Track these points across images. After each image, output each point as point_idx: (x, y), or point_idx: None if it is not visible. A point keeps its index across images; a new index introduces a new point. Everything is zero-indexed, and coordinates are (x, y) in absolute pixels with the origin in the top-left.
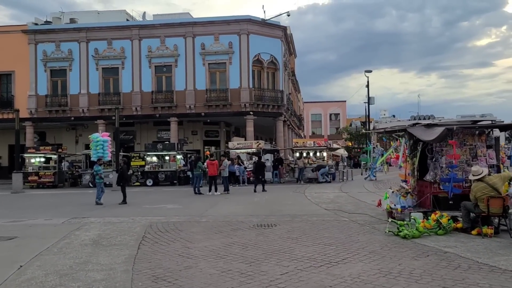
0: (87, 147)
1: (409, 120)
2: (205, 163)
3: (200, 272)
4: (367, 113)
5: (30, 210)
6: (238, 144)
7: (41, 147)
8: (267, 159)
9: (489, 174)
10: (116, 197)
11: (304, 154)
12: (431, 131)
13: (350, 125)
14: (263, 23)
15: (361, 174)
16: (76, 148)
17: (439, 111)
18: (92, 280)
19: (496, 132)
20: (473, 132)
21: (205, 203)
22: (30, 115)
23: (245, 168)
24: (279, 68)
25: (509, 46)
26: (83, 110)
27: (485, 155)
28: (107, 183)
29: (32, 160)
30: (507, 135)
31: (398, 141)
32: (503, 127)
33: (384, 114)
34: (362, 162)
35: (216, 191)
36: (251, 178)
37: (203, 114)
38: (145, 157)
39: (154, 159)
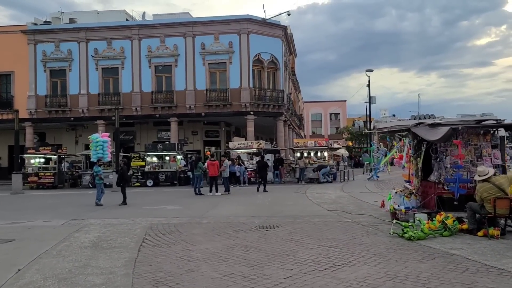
0: (87, 147)
1: (409, 119)
2: (206, 164)
3: (202, 276)
4: (368, 113)
5: (29, 211)
6: (238, 144)
7: (40, 148)
8: (268, 159)
9: (494, 175)
10: (116, 198)
11: (305, 154)
12: (436, 130)
13: (353, 124)
14: (263, 22)
15: (363, 174)
16: (76, 148)
17: (439, 110)
18: (92, 284)
19: (502, 132)
20: (478, 131)
21: (206, 204)
22: (30, 116)
23: (246, 168)
24: (280, 68)
25: (509, 45)
26: (82, 110)
27: (490, 155)
28: (107, 183)
29: (32, 161)
30: (507, 135)
31: (402, 141)
32: (509, 127)
33: (384, 114)
34: (365, 162)
35: (217, 191)
36: (252, 179)
37: (203, 114)
38: (145, 157)
39: (154, 159)
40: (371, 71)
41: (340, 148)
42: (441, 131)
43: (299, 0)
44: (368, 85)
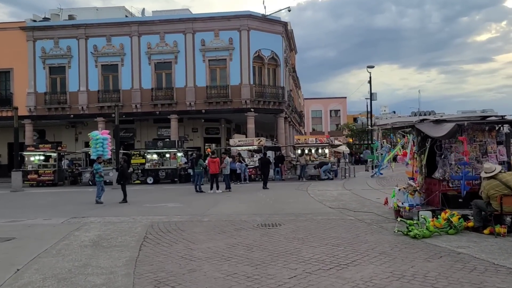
0: (87, 145)
1: (409, 116)
2: (206, 161)
3: (204, 275)
4: (370, 109)
5: (29, 209)
6: (239, 141)
7: (40, 145)
8: (269, 156)
9: (500, 172)
10: (117, 196)
11: (306, 151)
12: (440, 127)
13: (356, 121)
14: (264, 18)
15: (366, 171)
16: (75, 146)
17: (439, 106)
18: (92, 285)
19: (507, 128)
20: (483, 128)
21: (206, 201)
22: (29, 113)
23: (247, 165)
24: (280, 64)
25: (509, 41)
26: (82, 107)
27: (495, 151)
28: (107, 181)
29: (32, 158)
30: (508, 131)
31: (406, 137)
32: None
33: (385, 110)
34: (368, 159)
35: (217, 189)
36: (253, 176)
37: (203, 111)
38: (146, 154)
39: (155, 156)
40: (372, 67)
41: (341, 145)
42: (446, 127)
43: None
44: (370, 82)
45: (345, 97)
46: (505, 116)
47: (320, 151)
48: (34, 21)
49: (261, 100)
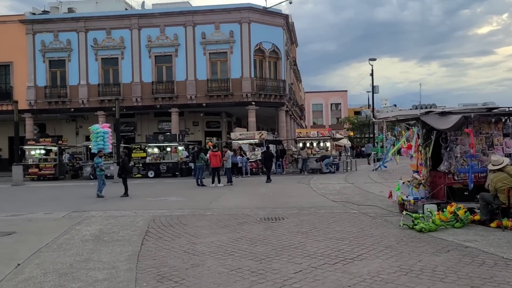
0: (88, 138)
1: (410, 109)
2: (208, 154)
3: (208, 270)
4: (372, 102)
5: (30, 203)
6: (240, 134)
7: (41, 139)
8: (271, 150)
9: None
10: (118, 190)
11: (308, 145)
12: (446, 119)
13: (360, 114)
14: (265, 11)
15: (369, 164)
16: (76, 139)
17: (440, 100)
18: (94, 280)
19: None
20: (489, 120)
21: (208, 195)
22: (30, 107)
23: (248, 159)
24: (281, 57)
25: (510, 34)
26: (82, 101)
27: (501, 144)
28: (108, 175)
29: (32, 152)
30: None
31: (411, 130)
32: None
33: (385, 104)
34: (373, 152)
35: (219, 182)
36: (254, 169)
37: (204, 104)
38: (146, 148)
39: (156, 150)
40: (374, 59)
41: (342, 138)
42: (452, 119)
43: None
44: (372, 74)
45: (346, 91)
46: None
47: (321, 144)
48: (34, 14)
49: (262, 93)
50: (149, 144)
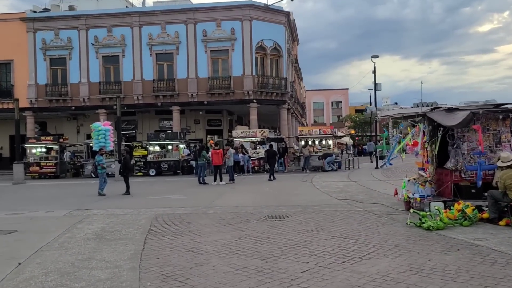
0: (89, 137)
1: (411, 107)
2: (210, 152)
3: (213, 269)
4: (374, 100)
5: (31, 202)
6: (242, 132)
7: (42, 137)
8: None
9: None
10: (119, 188)
11: (310, 142)
12: (453, 115)
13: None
14: (266, 8)
15: (371, 162)
16: (77, 138)
17: (440, 98)
18: (96, 279)
19: None
20: (497, 116)
21: (211, 193)
22: (30, 105)
23: (250, 157)
24: (283, 55)
25: (511, 31)
26: (83, 99)
27: (509, 140)
28: (109, 173)
29: (33, 151)
30: None
31: (417, 127)
32: None
33: (386, 102)
34: (378, 150)
35: (221, 180)
36: (256, 167)
37: (205, 102)
38: (148, 146)
39: (157, 148)
40: (377, 57)
41: (344, 136)
42: (460, 115)
43: None
44: (374, 72)
45: (347, 89)
46: None
47: (323, 142)
48: (34, 12)
49: (264, 91)
50: (151, 142)
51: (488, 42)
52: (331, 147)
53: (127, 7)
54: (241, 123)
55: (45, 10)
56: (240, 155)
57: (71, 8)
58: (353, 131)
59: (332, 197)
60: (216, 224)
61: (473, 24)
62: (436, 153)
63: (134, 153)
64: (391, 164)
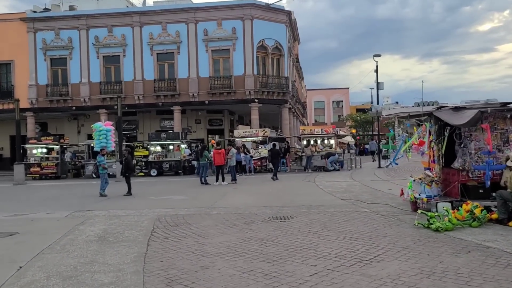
0: (90, 137)
1: (412, 106)
2: (211, 152)
3: (219, 273)
4: (377, 99)
5: (32, 203)
6: (243, 132)
7: (42, 138)
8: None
9: None
10: (121, 188)
11: (312, 142)
12: (461, 114)
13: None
14: (267, 7)
15: (373, 161)
16: (78, 138)
17: (441, 97)
18: (100, 284)
19: None
20: (505, 115)
21: (213, 193)
22: (31, 105)
23: (252, 157)
24: (284, 54)
25: (511, 30)
26: (84, 99)
27: None
28: (110, 173)
29: (34, 151)
30: None
31: (424, 126)
32: None
33: (387, 101)
34: (383, 149)
35: (223, 181)
36: (258, 167)
37: (206, 102)
38: (149, 146)
39: (158, 148)
40: (379, 56)
41: (346, 135)
42: (467, 114)
43: None
44: (376, 71)
45: (348, 88)
46: None
47: (326, 141)
48: (35, 12)
49: (265, 90)
50: (152, 142)
51: (489, 41)
52: (333, 146)
53: (127, 6)
54: (242, 123)
55: (46, 10)
56: (242, 155)
57: (71, 8)
58: (354, 131)
59: (336, 197)
60: (220, 225)
61: (473, 23)
62: (443, 152)
63: (135, 153)
64: (397, 164)
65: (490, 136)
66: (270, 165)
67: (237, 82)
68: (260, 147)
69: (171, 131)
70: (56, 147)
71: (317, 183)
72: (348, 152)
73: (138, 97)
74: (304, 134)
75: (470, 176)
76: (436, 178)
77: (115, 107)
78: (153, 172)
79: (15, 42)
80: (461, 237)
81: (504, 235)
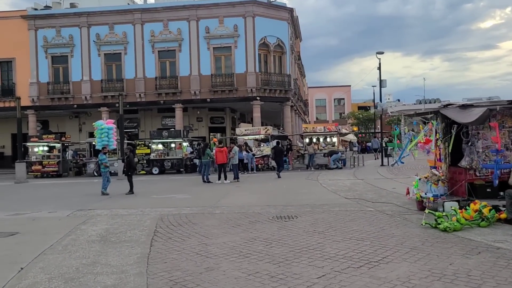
0: (91, 135)
1: (414, 104)
2: (214, 151)
3: (224, 275)
4: (380, 96)
5: (33, 201)
6: (245, 130)
7: (44, 136)
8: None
9: None
10: (122, 187)
11: (314, 140)
12: (468, 112)
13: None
14: (269, 4)
15: (375, 159)
16: (79, 136)
17: (442, 94)
18: (102, 286)
19: None
20: None
21: (216, 192)
22: (32, 103)
23: (254, 155)
24: (286, 52)
25: None
26: (85, 97)
27: None
28: (112, 172)
29: (36, 149)
30: None
31: (430, 124)
32: None
33: (389, 98)
34: (389, 148)
35: (225, 179)
36: (260, 165)
37: (208, 100)
38: (151, 145)
39: (160, 146)
40: (382, 53)
41: (348, 133)
42: (475, 112)
43: None
44: (379, 68)
45: (349, 85)
46: None
47: (328, 139)
48: (36, 9)
49: (267, 88)
50: (153, 141)
51: (490, 38)
52: (336, 144)
53: (128, 4)
54: (243, 121)
55: (46, 7)
56: (244, 153)
57: (72, 5)
58: (355, 128)
59: (340, 196)
60: (223, 225)
61: (475, 20)
62: (449, 151)
63: (137, 151)
64: (402, 163)
65: (498, 134)
66: (273, 163)
67: (239, 80)
68: (262, 145)
69: (172, 129)
70: (58, 145)
71: (320, 181)
72: (351, 150)
73: (140, 95)
74: (307, 132)
75: (478, 175)
76: (442, 177)
77: (117, 105)
78: (155, 170)
79: (16, 40)
80: (470, 238)
81: None
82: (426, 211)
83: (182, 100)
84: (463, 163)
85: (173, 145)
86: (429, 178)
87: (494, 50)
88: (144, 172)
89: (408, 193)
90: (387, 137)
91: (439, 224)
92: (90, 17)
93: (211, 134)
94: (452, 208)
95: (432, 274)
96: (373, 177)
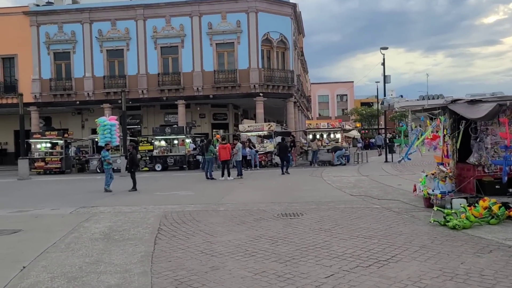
0: (94, 131)
1: (417, 100)
2: (217, 147)
3: (230, 274)
4: (384, 92)
5: (36, 198)
6: (249, 126)
7: (46, 132)
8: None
9: None
10: (125, 184)
11: (318, 136)
12: (477, 107)
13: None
14: (272, 0)
15: (379, 155)
16: (82, 133)
17: (445, 90)
18: (106, 285)
19: None
20: None
21: (219, 189)
22: (35, 100)
23: (257, 151)
24: (289, 48)
25: None
26: (88, 94)
27: None
28: (115, 168)
29: (38, 146)
30: None
31: (438, 120)
32: None
33: (392, 94)
34: (396, 144)
35: (229, 176)
36: (263, 162)
37: (211, 96)
38: (153, 141)
39: (163, 143)
40: (386, 48)
41: (352, 129)
42: (484, 108)
43: None
44: (383, 64)
45: (352, 82)
46: None
47: (331, 136)
48: (37, 5)
49: (270, 84)
50: (156, 137)
51: (494, 34)
52: (340, 140)
53: None
54: (246, 117)
55: (48, 3)
56: (247, 149)
57: (74, 1)
58: (359, 124)
59: (346, 193)
60: (228, 222)
61: (478, 16)
62: (457, 147)
63: (140, 148)
64: (409, 159)
65: (508, 130)
66: (276, 160)
67: (241, 76)
68: (265, 141)
69: (175, 126)
70: (60, 142)
71: (324, 178)
72: (355, 146)
73: (142, 91)
74: (310, 128)
75: (486, 171)
76: (450, 174)
77: (119, 101)
78: (158, 167)
79: (18, 36)
80: (480, 236)
81: None
82: (435, 208)
83: (184, 97)
84: (472, 159)
85: (176, 141)
86: (436, 175)
87: (498, 46)
88: (147, 168)
89: (415, 190)
90: (390, 133)
91: (448, 221)
92: (92, 13)
93: (214, 130)
94: (462, 205)
95: (444, 273)
96: (378, 174)
